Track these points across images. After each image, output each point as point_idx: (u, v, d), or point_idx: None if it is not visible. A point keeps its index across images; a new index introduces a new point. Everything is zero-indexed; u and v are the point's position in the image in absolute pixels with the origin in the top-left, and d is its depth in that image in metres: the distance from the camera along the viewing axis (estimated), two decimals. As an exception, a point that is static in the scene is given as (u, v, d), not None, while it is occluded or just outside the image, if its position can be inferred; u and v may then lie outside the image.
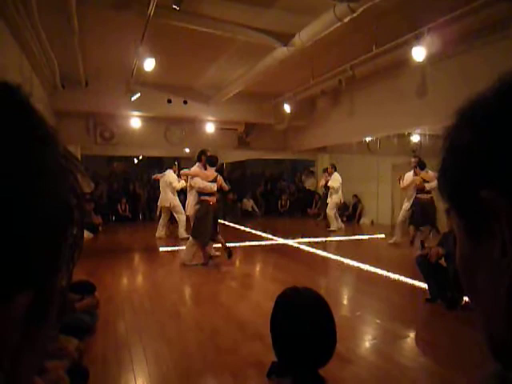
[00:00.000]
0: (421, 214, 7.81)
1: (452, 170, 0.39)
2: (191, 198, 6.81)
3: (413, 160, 8.08)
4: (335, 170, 10.60)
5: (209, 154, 6.85)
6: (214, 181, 6.59)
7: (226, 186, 7.17)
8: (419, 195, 7.88)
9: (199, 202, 6.58)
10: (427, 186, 7.74)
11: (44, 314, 0.33)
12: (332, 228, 10.65)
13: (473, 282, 0.39)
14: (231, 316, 4.29)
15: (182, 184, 8.92)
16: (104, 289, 4.86)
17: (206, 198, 6.52)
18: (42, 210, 0.31)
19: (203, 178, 6.53)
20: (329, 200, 10.60)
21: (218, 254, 7.01)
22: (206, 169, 6.65)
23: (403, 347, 3.59)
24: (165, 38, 5.75)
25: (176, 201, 9.32)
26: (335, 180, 10.40)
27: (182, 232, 9.14)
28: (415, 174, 7.94)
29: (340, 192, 10.49)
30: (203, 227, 6.41)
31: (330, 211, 10.68)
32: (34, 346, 0.33)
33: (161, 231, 9.63)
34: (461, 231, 0.40)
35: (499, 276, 0.35)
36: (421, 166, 7.87)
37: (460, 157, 0.38)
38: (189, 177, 6.88)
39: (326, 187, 10.66)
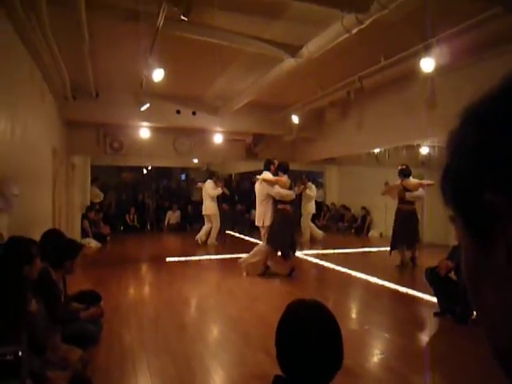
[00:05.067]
0: (401, 226, 7.25)
1: (456, 173, 0.37)
2: (267, 208, 6.47)
3: (399, 168, 7.56)
4: (308, 181, 10.97)
5: (276, 161, 6.63)
6: (290, 188, 6.40)
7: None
8: (400, 205, 7.38)
9: (276, 210, 6.38)
10: (408, 195, 7.20)
11: None
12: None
13: (479, 292, 0.37)
14: (237, 328, 4.25)
15: (218, 191, 9.91)
16: (110, 299, 4.84)
17: (284, 206, 6.36)
18: None
19: (282, 186, 6.32)
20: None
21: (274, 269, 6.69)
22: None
23: (412, 362, 3.51)
24: (174, 49, 5.80)
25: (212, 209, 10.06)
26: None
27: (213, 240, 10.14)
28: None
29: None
30: (281, 235, 6.28)
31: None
32: None
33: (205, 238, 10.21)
34: (466, 238, 0.38)
35: (505, 284, 0.33)
36: (403, 173, 7.35)
37: (464, 158, 0.36)
38: (259, 184, 6.55)
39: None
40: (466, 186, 0.35)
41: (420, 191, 7.24)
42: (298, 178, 16.69)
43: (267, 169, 6.57)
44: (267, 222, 6.45)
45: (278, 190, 6.29)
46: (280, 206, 6.37)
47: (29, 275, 2.57)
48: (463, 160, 0.36)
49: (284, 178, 6.39)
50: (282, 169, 6.47)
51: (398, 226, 7.35)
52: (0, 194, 3.15)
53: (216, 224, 10.17)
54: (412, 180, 7.34)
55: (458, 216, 0.38)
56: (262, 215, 6.51)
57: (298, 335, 1.27)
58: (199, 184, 10.81)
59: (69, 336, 3.07)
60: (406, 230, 7.18)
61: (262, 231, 6.60)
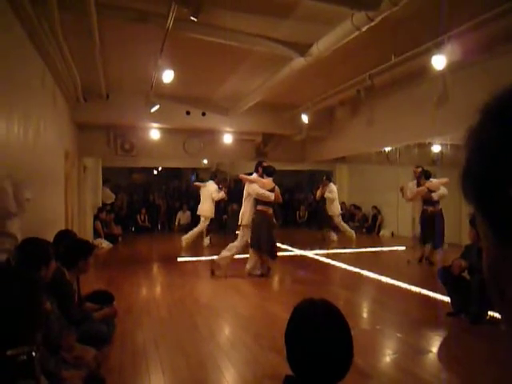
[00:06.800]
0: (427, 228, 7.34)
1: (478, 170, 0.36)
2: (247, 208, 6.62)
3: (416, 170, 7.68)
4: (330, 181, 10.63)
5: (265, 164, 6.74)
6: (272, 191, 6.45)
7: (281, 198, 6.90)
8: (426, 207, 7.46)
9: (255, 211, 6.45)
10: (434, 195, 7.29)
11: None
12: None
13: (503, 292, 0.37)
14: (248, 327, 4.25)
15: (221, 195, 9.53)
16: (122, 299, 4.88)
17: (263, 208, 6.41)
18: None
19: (261, 186, 6.41)
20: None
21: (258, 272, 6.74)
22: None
23: (425, 362, 3.48)
24: (183, 50, 5.83)
25: (210, 212, 9.66)
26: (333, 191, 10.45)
27: (184, 239, 9.69)
28: (419, 184, 7.52)
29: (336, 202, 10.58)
30: (258, 237, 6.37)
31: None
32: None
33: (206, 240, 10.01)
34: (488, 237, 0.37)
35: None
36: (426, 175, 7.46)
37: (487, 154, 0.35)
38: (246, 183, 6.69)
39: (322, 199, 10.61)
40: (490, 183, 0.35)
41: (443, 189, 7.29)
42: (310, 179, 16.63)
43: (256, 170, 6.71)
44: (244, 221, 6.61)
45: (255, 188, 6.39)
46: (259, 207, 6.41)
47: (45, 276, 2.60)
48: (486, 156, 0.35)
49: (265, 180, 6.49)
50: (265, 171, 6.57)
51: (424, 227, 7.44)
52: (13, 199, 3.18)
53: (202, 226, 9.76)
54: (434, 180, 7.45)
55: (480, 214, 0.37)
56: (242, 214, 6.72)
57: (307, 335, 1.26)
58: (197, 184, 10.48)
59: (82, 336, 3.10)
60: (432, 231, 7.27)
61: (240, 230, 6.80)
